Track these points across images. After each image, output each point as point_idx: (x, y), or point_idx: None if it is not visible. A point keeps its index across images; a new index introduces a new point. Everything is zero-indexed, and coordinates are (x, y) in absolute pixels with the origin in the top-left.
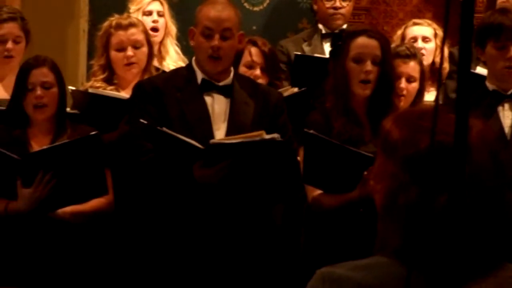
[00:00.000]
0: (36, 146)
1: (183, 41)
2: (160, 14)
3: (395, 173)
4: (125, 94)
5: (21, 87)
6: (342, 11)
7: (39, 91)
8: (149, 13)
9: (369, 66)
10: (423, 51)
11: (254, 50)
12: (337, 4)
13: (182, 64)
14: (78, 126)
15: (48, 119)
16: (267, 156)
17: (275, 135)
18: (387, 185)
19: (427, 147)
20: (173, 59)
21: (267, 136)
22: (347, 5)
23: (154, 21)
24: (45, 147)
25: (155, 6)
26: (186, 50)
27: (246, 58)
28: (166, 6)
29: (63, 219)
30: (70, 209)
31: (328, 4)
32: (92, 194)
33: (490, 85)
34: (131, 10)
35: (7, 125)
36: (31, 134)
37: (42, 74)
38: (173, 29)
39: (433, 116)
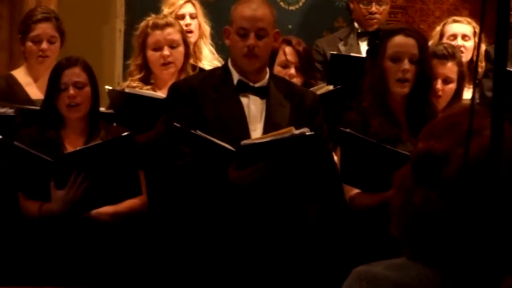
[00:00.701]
0: (69, 147)
1: (219, 40)
2: (193, 16)
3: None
4: (161, 93)
5: (54, 87)
6: (377, 16)
7: (71, 91)
8: (182, 17)
9: (406, 65)
10: (462, 49)
11: (288, 49)
12: (373, 9)
13: (217, 63)
14: (111, 127)
15: (81, 119)
16: (299, 152)
17: (305, 129)
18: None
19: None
20: (208, 59)
21: (297, 131)
22: (383, 9)
23: (187, 25)
24: (78, 148)
25: (188, 9)
26: (222, 49)
27: (280, 57)
28: (198, 6)
29: (98, 220)
30: (104, 210)
31: (364, 9)
32: (126, 195)
33: None
34: (164, 12)
35: (41, 125)
36: (65, 135)
37: (75, 74)
38: (206, 29)
39: (470, 114)
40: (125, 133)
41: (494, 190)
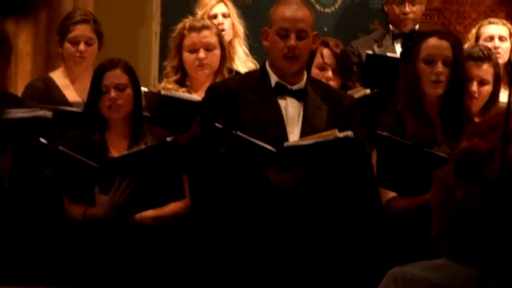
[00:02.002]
0: (114, 151)
1: (254, 42)
2: (226, 16)
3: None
4: (197, 96)
5: (96, 90)
6: (411, 15)
7: (113, 93)
8: (214, 17)
9: (440, 67)
10: (499, 50)
11: (326, 51)
12: (407, 9)
13: (251, 64)
14: (155, 129)
15: (124, 120)
16: (342, 155)
17: (349, 133)
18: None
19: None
20: (241, 59)
21: (341, 134)
22: (417, 9)
23: (219, 24)
24: (122, 153)
25: (220, 9)
26: (257, 51)
27: (318, 60)
28: (231, 6)
29: (142, 224)
30: (148, 214)
31: (397, 9)
32: (170, 198)
33: None
34: (198, 15)
35: (84, 128)
36: (109, 137)
37: (116, 76)
38: (240, 29)
39: (506, 116)
40: (170, 138)
41: None
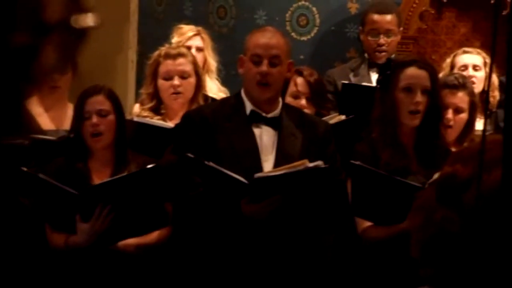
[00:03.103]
0: (96, 179)
1: (231, 70)
2: (199, 49)
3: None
4: (171, 124)
5: (78, 116)
6: (385, 47)
7: (94, 119)
8: (188, 48)
9: (419, 97)
10: (473, 79)
11: (299, 80)
12: (381, 41)
13: (223, 95)
14: (139, 157)
15: (107, 148)
16: (313, 184)
17: (319, 162)
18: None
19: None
20: (212, 91)
21: (311, 164)
22: (392, 40)
23: None
24: (103, 181)
25: (195, 42)
26: (234, 79)
27: (291, 88)
28: (208, 40)
29: (126, 251)
30: (130, 242)
31: (372, 40)
32: (152, 226)
33: None
34: (173, 41)
35: (68, 156)
36: (92, 166)
37: (98, 102)
38: (212, 64)
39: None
40: (151, 165)
41: (506, 220)
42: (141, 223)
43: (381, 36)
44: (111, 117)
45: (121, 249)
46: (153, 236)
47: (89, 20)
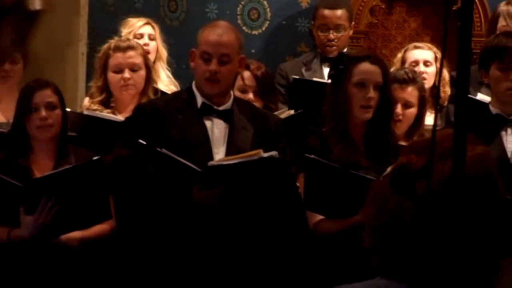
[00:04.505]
0: (37, 173)
1: (182, 64)
2: (151, 38)
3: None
4: (121, 117)
5: (24, 109)
6: (335, 42)
7: (43, 112)
8: (140, 36)
9: (371, 92)
10: (424, 75)
11: (246, 74)
12: (331, 36)
13: (173, 87)
14: (79, 151)
15: (51, 141)
16: (266, 175)
17: (273, 153)
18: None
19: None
20: (164, 83)
21: (265, 154)
22: (342, 35)
23: (145, 44)
24: (48, 173)
25: (147, 30)
26: (185, 72)
27: (238, 82)
28: (157, 30)
29: (68, 245)
30: (73, 235)
31: (322, 36)
32: (96, 220)
33: (493, 109)
34: (122, 34)
35: (8, 149)
36: (33, 159)
37: (47, 95)
38: (164, 53)
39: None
40: (95, 158)
41: (456, 210)
42: (84, 216)
43: (331, 31)
44: (58, 111)
45: (64, 242)
46: (96, 229)
47: (36, 3)
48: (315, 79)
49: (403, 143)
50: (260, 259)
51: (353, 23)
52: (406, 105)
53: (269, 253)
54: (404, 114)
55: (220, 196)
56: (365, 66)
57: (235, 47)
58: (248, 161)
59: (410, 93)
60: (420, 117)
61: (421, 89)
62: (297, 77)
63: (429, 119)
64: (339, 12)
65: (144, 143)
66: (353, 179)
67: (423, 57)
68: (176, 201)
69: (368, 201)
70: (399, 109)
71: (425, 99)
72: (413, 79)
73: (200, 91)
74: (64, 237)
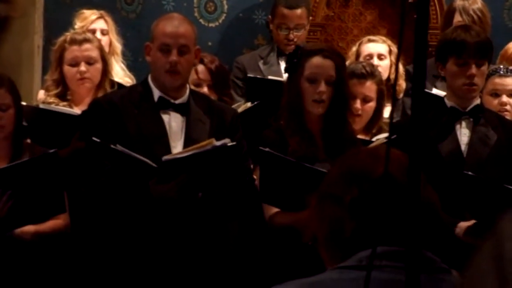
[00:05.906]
0: None
1: (138, 57)
2: (104, 33)
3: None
4: (77, 110)
5: None
6: (294, 41)
7: None
8: (93, 32)
9: (322, 87)
10: (379, 69)
11: (200, 67)
12: (291, 36)
13: (129, 80)
14: (35, 147)
15: (4, 140)
16: (221, 164)
17: (226, 140)
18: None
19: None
20: (119, 75)
21: (218, 143)
22: (301, 34)
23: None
24: (3, 166)
25: (99, 25)
26: (141, 65)
27: (193, 76)
28: (111, 23)
29: (22, 238)
30: (27, 229)
31: (282, 35)
32: (50, 213)
33: (448, 102)
34: (76, 26)
35: None
36: None
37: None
38: (117, 46)
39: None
40: (51, 151)
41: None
42: (39, 209)
43: (291, 31)
44: (11, 111)
45: (18, 236)
46: (49, 224)
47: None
48: (269, 77)
49: (362, 136)
50: (219, 252)
51: (310, 17)
52: (365, 99)
53: (228, 246)
54: (363, 109)
55: (178, 188)
56: (317, 60)
57: (192, 38)
58: (202, 152)
59: (369, 87)
60: (379, 110)
61: (379, 82)
62: (252, 75)
63: (385, 112)
64: (298, 11)
65: (98, 140)
66: (307, 172)
67: (377, 50)
68: (133, 197)
69: (315, 197)
70: (358, 104)
71: (384, 93)
72: (371, 73)
73: (157, 84)
74: (18, 231)
